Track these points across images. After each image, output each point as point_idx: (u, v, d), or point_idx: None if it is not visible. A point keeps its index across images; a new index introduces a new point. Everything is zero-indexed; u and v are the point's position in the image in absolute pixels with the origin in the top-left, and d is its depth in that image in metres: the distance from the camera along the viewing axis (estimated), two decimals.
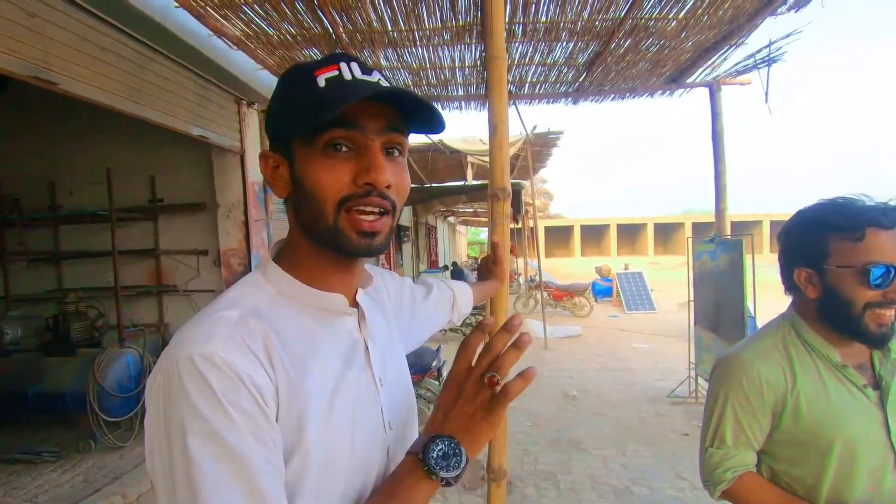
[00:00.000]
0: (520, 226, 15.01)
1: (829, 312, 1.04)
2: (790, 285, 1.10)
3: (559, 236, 42.86)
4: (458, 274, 13.20)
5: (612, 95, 5.06)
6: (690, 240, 5.45)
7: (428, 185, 10.29)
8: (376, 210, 0.61)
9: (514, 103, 5.14)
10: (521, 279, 14.76)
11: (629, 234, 41.83)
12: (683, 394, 5.16)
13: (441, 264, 16.04)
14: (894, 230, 0.96)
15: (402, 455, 0.65)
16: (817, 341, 1.05)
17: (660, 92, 5.06)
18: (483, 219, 18.99)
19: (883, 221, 0.96)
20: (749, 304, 4.23)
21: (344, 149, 0.59)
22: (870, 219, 0.97)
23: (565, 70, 4.37)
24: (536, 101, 5.21)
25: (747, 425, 1.06)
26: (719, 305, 4.66)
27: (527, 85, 4.70)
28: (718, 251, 4.71)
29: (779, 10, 3.50)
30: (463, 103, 5.03)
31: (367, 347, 0.68)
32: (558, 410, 4.90)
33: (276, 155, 0.64)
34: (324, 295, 0.64)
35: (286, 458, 0.55)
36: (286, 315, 0.61)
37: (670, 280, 18.07)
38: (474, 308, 1.34)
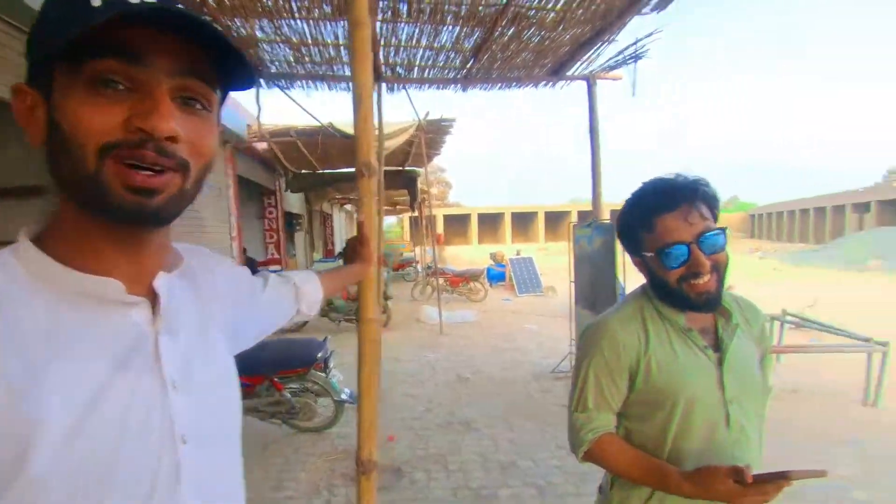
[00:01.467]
0: (416, 214, 15.08)
1: (655, 291, 1.14)
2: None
3: (458, 224, 43.85)
4: None
5: (500, 84, 5.20)
6: (572, 225, 5.80)
7: (321, 172, 9.90)
8: (154, 166, 0.49)
9: (405, 88, 5.07)
10: (419, 266, 14.87)
11: (522, 222, 44.02)
12: (566, 369, 5.53)
13: (337, 253, 15.59)
14: (678, 209, 1.03)
15: (200, 474, 0.56)
16: (666, 309, 1.12)
17: (543, 83, 5.30)
18: (384, 206, 18.80)
19: (665, 207, 1.04)
20: (621, 281, 4.60)
21: (121, 87, 0.48)
22: (654, 208, 1.06)
23: (453, 55, 4.39)
24: (427, 86, 5.19)
25: (607, 388, 1.12)
26: (595, 284, 5.03)
27: (416, 69, 4.66)
28: (594, 235, 5.06)
29: (643, 11, 3.80)
30: (351, 84, 4.86)
31: (157, 343, 0.56)
32: (451, 393, 4.99)
33: (33, 90, 0.50)
34: (89, 279, 0.52)
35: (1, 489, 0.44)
36: (32, 304, 0.49)
37: (558, 264, 19.38)
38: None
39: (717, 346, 1.11)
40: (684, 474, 0.99)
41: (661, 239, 1.05)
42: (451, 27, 3.86)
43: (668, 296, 1.10)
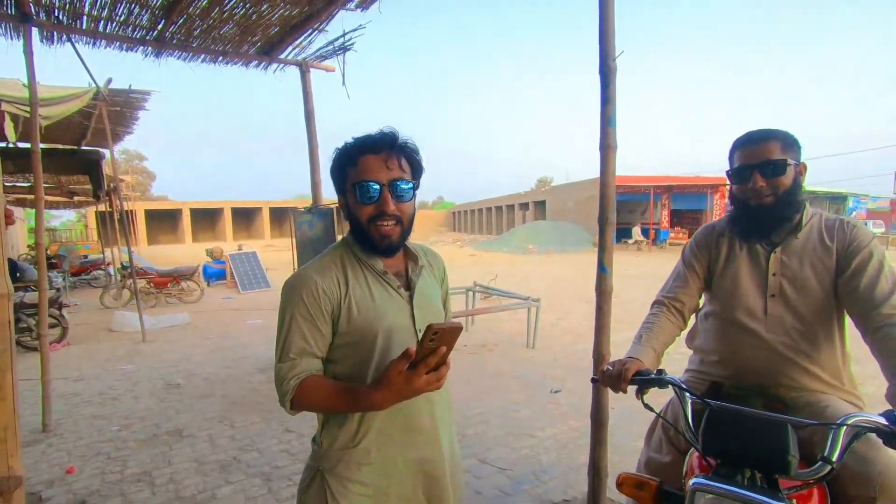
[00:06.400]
0: (106, 207, 12.40)
1: (353, 234, 1.23)
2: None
3: (165, 221, 37.98)
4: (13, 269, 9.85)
5: (203, 56, 4.72)
6: (293, 211, 5.73)
7: None
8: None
9: (71, 40, 4.08)
10: (111, 269, 12.29)
11: (245, 217, 41.14)
12: None
13: None
14: (381, 153, 1.15)
15: None
16: (364, 255, 1.22)
17: (255, 63, 5.06)
18: (51, 197, 14.61)
19: (371, 148, 1.16)
20: None
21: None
22: (361, 148, 1.16)
23: (137, 10, 3.75)
24: (105, 44, 4.30)
25: (310, 334, 1.14)
26: None
27: (84, 18, 3.80)
28: (316, 220, 5.14)
29: (348, 6, 4.01)
30: None
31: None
32: (157, 403, 4.32)
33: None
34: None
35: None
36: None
37: (285, 261, 18.86)
38: None
39: (408, 285, 1.27)
40: (371, 384, 1.08)
41: (360, 175, 1.14)
42: None
43: (361, 236, 1.20)
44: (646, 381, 1.35)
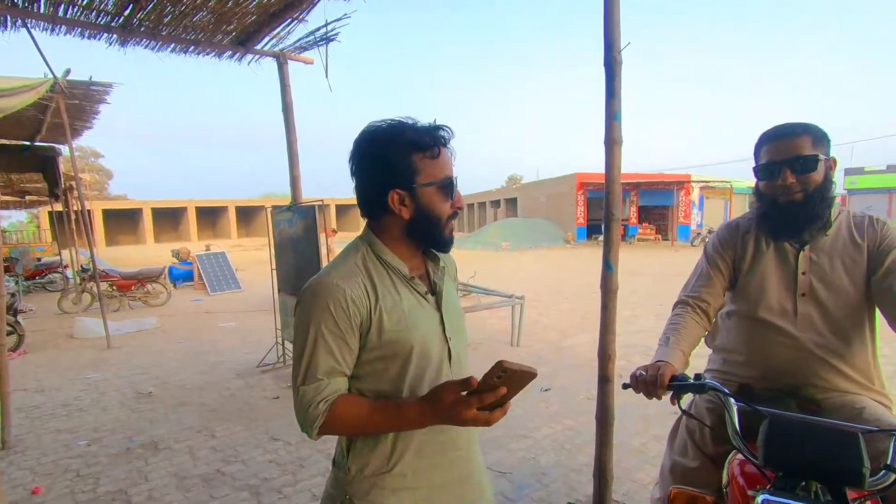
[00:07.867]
0: (63, 207, 11.74)
1: (420, 229, 1.07)
2: (377, 208, 1.07)
3: (125, 221, 36.46)
4: None
5: (173, 46, 4.45)
6: (270, 209, 5.51)
7: None
8: None
9: (27, 26, 3.77)
10: (69, 272, 11.66)
11: (210, 217, 39.89)
12: (272, 361, 5.26)
13: None
14: (449, 148, 1.07)
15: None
16: (392, 258, 1.08)
17: (228, 54, 4.82)
18: (1, 197, 13.75)
19: (444, 141, 1.05)
20: (324, 263, 4.62)
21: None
22: (440, 137, 1.04)
23: None
24: (65, 31, 3.99)
25: (338, 350, 1.00)
26: (299, 269, 4.90)
27: (42, 1, 3.50)
28: (296, 218, 4.93)
29: None
30: None
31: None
32: (128, 414, 4.06)
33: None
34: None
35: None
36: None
37: (255, 261, 18.37)
38: None
39: (432, 289, 1.14)
40: (420, 399, 0.97)
41: (444, 170, 1.05)
42: None
43: (432, 236, 1.08)
44: (685, 386, 1.28)
